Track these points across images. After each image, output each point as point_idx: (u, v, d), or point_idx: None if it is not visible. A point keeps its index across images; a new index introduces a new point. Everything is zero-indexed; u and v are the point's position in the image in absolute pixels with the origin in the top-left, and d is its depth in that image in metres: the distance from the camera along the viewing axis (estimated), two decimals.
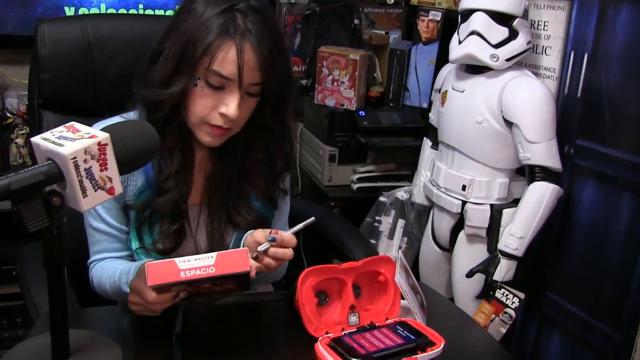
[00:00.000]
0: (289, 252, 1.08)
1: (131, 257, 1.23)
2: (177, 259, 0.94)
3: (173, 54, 1.10)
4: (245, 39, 1.07)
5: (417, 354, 1.02)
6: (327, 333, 1.07)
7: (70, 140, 0.80)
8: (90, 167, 0.81)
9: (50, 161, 0.80)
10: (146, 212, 1.18)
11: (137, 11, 2.33)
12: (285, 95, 1.17)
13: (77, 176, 0.80)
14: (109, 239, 1.21)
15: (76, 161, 0.79)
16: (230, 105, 1.10)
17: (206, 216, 1.25)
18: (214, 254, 0.96)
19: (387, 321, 1.13)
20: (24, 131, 2.24)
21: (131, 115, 1.21)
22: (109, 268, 1.19)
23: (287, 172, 1.32)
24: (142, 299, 1.00)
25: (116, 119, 1.19)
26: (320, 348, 1.02)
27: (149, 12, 2.35)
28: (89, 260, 1.24)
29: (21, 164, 2.24)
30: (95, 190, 0.82)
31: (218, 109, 1.11)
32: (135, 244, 1.20)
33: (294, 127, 1.28)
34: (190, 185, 1.21)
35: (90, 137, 0.81)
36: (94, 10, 2.29)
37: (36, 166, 0.79)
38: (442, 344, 1.04)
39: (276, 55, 1.11)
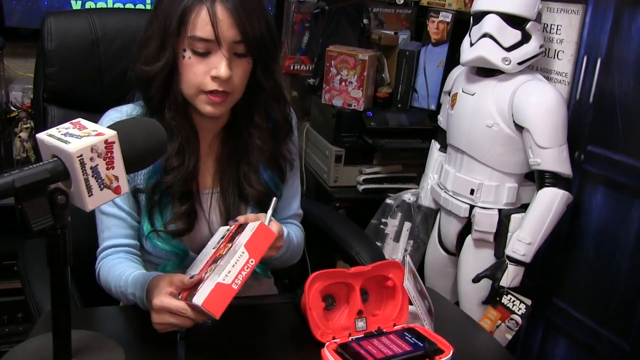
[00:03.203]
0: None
1: (139, 251, 1.23)
2: (218, 278, 0.95)
3: (156, 33, 1.15)
4: (215, 0, 1.11)
5: None
6: (334, 338, 1.05)
7: (77, 138, 0.79)
8: (97, 165, 0.79)
9: (56, 158, 0.78)
10: (156, 195, 1.20)
11: (145, 6, 2.32)
12: (271, 52, 1.20)
13: (83, 174, 0.78)
14: (119, 223, 1.21)
15: (82, 159, 0.77)
16: (220, 66, 1.12)
17: (219, 196, 1.27)
18: (243, 247, 0.98)
19: (395, 327, 1.11)
20: (27, 125, 2.22)
21: (124, 108, 1.23)
22: (117, 268, 1.17)
23: (291, 136, 1.34)
24: (182, 320, 1.00)
25: (110, 113, 1.23)
26: (327, 354, 1.00)
27: None
28: (99, 250, 1.23)
29: (24, 158, 2.22)
30: (101, 189, 0.80)
31: (210, 74, 1.14)
32: (147, 228, 1.20)
33: (286, 87, 1.34)
34: (197, 162, 1.22)
35: (97, 135, 0.80)
36: (100, 5, 2.27)
37: (41, 163, 0.77)
38: (451, 351, 1.02)
39: (250, 11, 1.13)
